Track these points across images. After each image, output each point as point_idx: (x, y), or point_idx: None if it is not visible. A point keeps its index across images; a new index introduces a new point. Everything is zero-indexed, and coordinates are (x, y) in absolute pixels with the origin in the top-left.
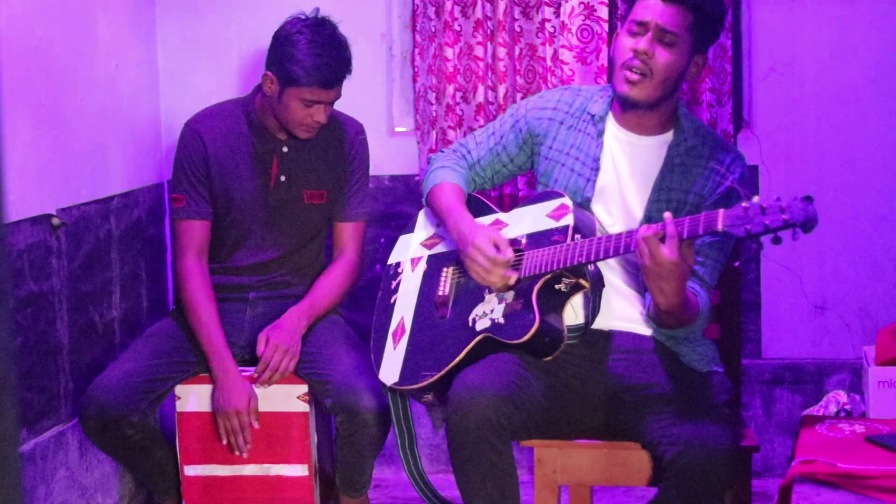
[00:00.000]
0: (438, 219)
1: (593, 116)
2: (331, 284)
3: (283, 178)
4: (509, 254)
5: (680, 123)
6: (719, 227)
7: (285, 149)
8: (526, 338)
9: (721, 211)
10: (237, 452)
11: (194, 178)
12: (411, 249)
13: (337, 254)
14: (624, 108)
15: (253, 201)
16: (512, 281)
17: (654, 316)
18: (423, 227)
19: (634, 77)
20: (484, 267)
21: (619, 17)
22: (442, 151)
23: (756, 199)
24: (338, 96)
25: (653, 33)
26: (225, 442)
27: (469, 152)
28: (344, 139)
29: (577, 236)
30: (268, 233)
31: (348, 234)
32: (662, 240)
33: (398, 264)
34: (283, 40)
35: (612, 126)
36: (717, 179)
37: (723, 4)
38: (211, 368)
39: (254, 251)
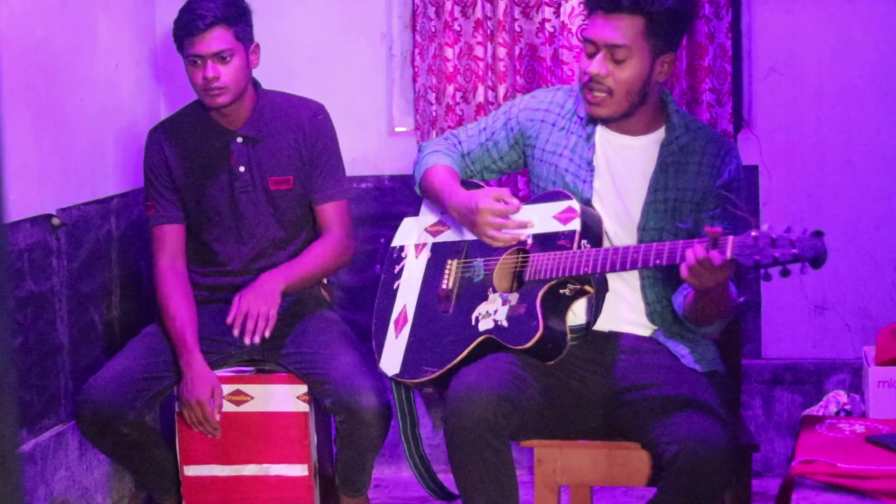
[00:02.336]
0: (434, 199)
1: (582, 118)
2: (313, 252)
3: (242, 169)
4: (516, 202)
5: (671, 121)
6: (728, 254)
7: (239, 139)
8: (529, 344)
9: (731, 238)
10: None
11: (159, 183)
12: (415, 234)
13: (322, 233)
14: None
15: (220, 196)
16: (530, 228)
17: (692, 313)
18: (428, 212)
19: (596, 98)
20: (496, 223)
21: None
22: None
23: (765, 227)
24: (218, 48)
25: (603, 53)
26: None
27: (459, 143)
28: (301, 121)
29: (584, 242)
30: (243, 226)
31: (330, 215)
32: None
33: (402, 248)
34: None
35: (601, 128)
36: (713, 174)
37: None
38: (179, 362)
39: (235, 247)
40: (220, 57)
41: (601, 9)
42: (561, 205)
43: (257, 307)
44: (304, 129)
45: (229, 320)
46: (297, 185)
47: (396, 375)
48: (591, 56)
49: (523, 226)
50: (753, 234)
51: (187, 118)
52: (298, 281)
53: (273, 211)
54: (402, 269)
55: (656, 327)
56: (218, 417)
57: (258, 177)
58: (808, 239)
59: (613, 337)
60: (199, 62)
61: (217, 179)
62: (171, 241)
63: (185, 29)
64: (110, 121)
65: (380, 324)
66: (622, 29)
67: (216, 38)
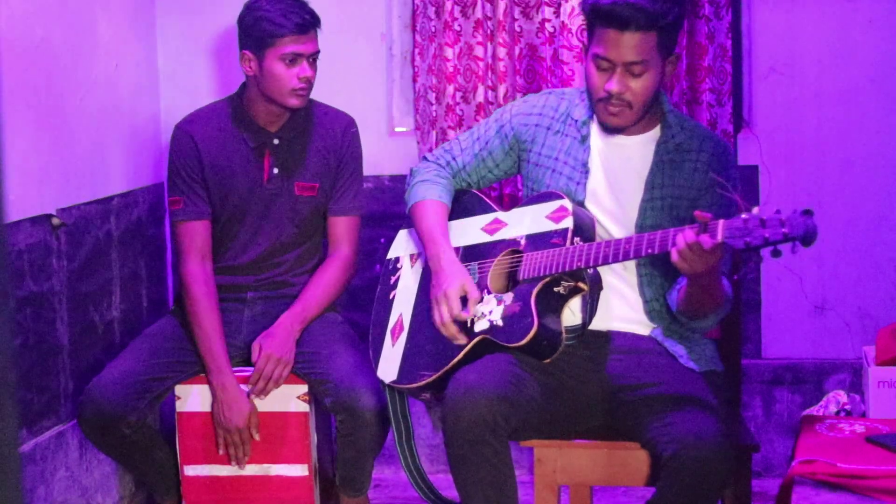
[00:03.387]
0: (419, 240)
1: (577, 121)
2: (324, 283)
3: (276, 171)
4: (468, 313)
5: (667, 120)
6: (718, 238)
7: (276, 141)
8: (524, 341)
9: (721, 221)
10: (233, 463)
11: (190, 178)
12: (410, 245)
13: (332, 249)
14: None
15: (247, 196)
16: (459, 341)
17: (686, 305)
18: None
19: (615, 110)
20: (443, 318)
21: None
22: (425, 159)
23: (756, 210)
24: (316, 49)
25: (621, 69)
26: (222, 452)
27: (454, 158)
28: (334, 132)
29: (577, 239)
30: (258, 225)
31: (342, 229)
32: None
33: (397, 259)
34: (246, 15)
35: (596, 129)
36: (709, 171)
37: (679, 3)
38: (210, 381)
39: (244, 244)
40: (313, 59)
41: (613, 27)
42: (553, 204)
43: (272, 368)
44: (338, 139)
45: (252, 380)
46: (321, 193)
47: (394, 382)
48: (604, 71)
49: (455, 338)
50: (743, 216)
51: (220, 117)
52: (315, 316)
53: (293, 215)
54: (397, 280)
55: (655, 325)
56: (256, 437)
57: (287, 180)
58: (798, 217)
59: (611, 336)
60: (296, 61)
61: (249, 180)
62: (200, 239)
63: (287, 27)
64: (110, 121)
65: (376, 334)
66: (638, 46)
67: (314, 41)
